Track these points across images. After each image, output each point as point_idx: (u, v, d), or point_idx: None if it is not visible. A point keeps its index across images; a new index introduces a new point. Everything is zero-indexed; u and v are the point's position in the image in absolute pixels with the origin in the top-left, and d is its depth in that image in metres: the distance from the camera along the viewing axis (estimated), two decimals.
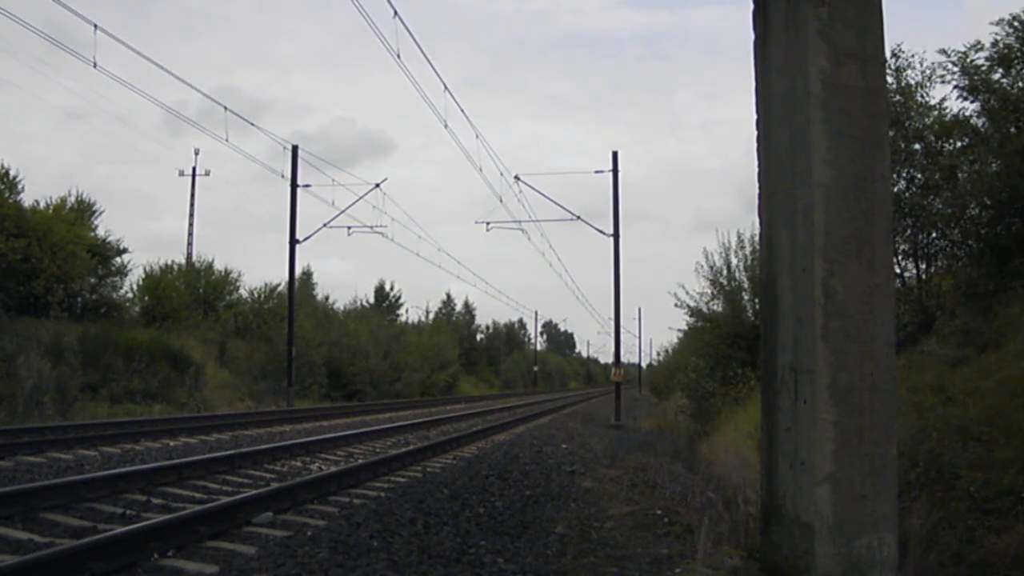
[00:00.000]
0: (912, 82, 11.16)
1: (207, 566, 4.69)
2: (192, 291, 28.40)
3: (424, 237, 61.54)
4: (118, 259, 25.30)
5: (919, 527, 5.18)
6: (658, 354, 57.93)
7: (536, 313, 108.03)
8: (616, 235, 24.89)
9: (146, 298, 26.75)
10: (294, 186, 25.71)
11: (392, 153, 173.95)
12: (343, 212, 25.47)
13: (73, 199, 25.10)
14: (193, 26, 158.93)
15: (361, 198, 25.51)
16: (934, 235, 11.11)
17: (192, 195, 36.05)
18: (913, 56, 11.15)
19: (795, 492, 4.25)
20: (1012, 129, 9.48)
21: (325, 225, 26.42)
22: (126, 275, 25.87)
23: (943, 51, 10.08)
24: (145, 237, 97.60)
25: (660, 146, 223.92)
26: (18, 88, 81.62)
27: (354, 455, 11.48)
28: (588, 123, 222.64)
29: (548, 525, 6.32)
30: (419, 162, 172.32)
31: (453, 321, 67.12)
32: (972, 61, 9.83)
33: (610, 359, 33.40)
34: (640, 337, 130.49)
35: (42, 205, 23.55)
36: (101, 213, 25.97)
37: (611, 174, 25.10)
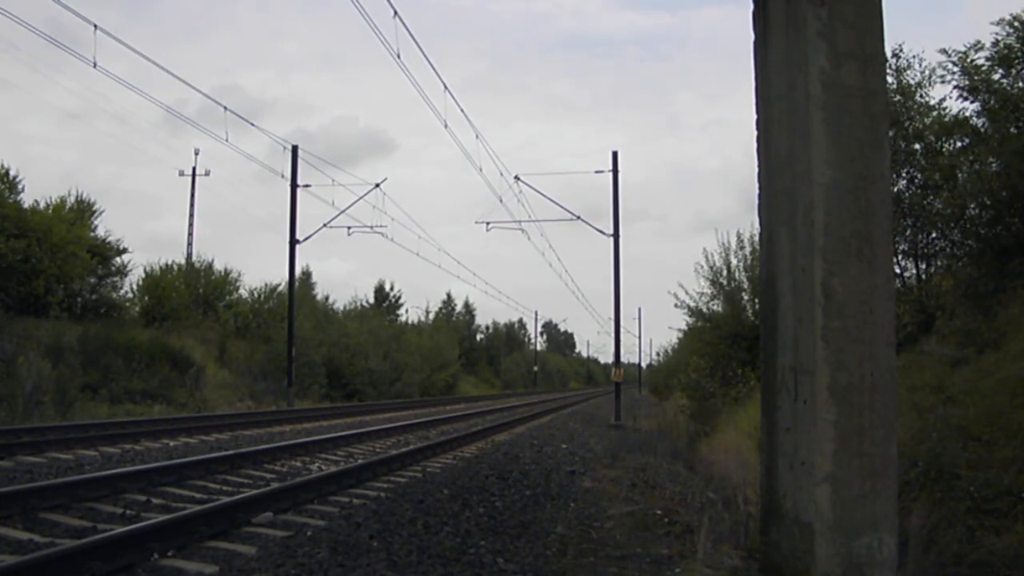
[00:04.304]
0: (912, 82, 11.15)
1: (207, 566, 4.69)
2: (192, 291, 28.39)
3: (424, 237, 61.60)
4: (118, 259, 25.31)
5: (919, 527, 5.18)
6: (658, 354, 57.85)
7: (536, 313, 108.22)
8: (616, 235, 24.90)
9: (146, 298, 26.75)
10: (294, 186, 25.72)
11: (393, 153, 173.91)
12: (343, 212, 25.50)
13: (73, 199, 25.11)
14: (193, 26, 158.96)
15: (361, 198, 25.55)
16: (934, 235, 11.09)
17: (192, 195, 36.12)
18: (913, 56, 11.15)
19: (795, 492, 4.25)
20: (1012, 129, 9.47)
21: (325, 225, 26.45)
22: (126, 275, 25.90)
23: (943, 51, 10.07)
24: (145, 237, 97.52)
25: (660, 146, 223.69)
26: (18, 88, 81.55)
27: (354, 455, 11.48)
28: (588, 124, 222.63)
29: (548, 525, 6.32)
30: (420, 162, 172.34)
31: (453, 321, 67.14)
32: (972, 61, 9.81)
33: (610, 359, 33.39)
34: (640, 337, 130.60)
35: (42, 205, 23.57)
36: (101, 213, 25.99)
37: (611, 174, 25.11)
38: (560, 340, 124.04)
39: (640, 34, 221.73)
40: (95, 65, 15.71)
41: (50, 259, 21.06)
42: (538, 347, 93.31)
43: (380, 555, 4.99)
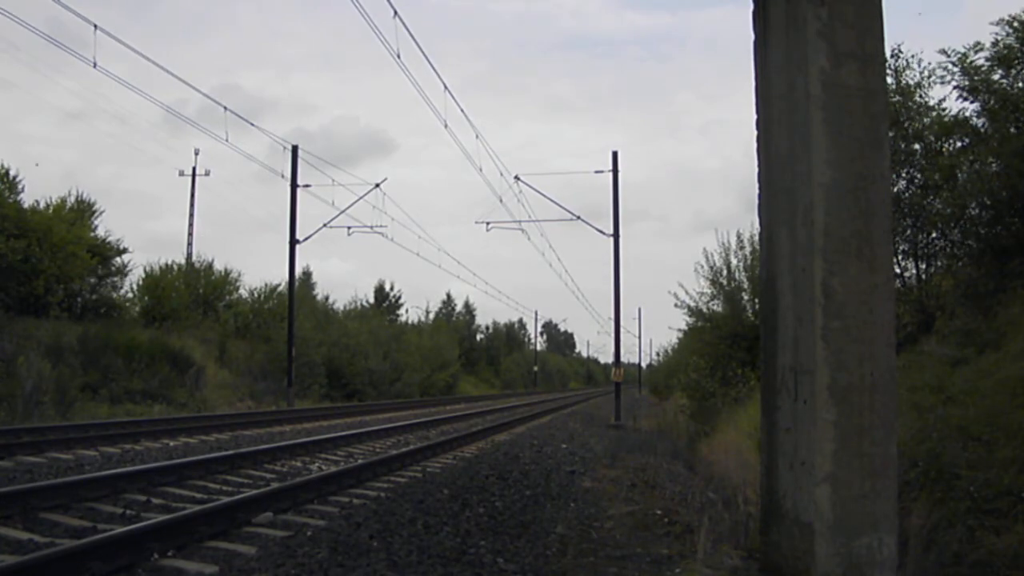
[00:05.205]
0: (911, 82, 11.16)
1: (207, 566, 4.69)
2: (192, 291, 28.39)
3: (424, 237, 61.55)
4: (118, 259, 25.31)
5: (919, 527, 5.18)
6: (658, 354, 57.88)
7: (536, 313, 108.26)
8: (616, 235, 24.90)
9: (146, 298, 26.75)
10: (294, 186, 25.73)
11: (393, 153, 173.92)
12: (343, 212, 25.49)
13: (73, 199, 25.11)
14: (193, 26, 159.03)
15: (361, 198, 25.54)
16: (934, 235, 11.10)
17: (192, 195, 36.14)
18: (912, 56, 11.16)
19: (795, 492, 4.25)
20: (1012, 129, 9.47)
21: (325, 225, 26.45)
22: (126, 275, 25.91)
23: (943, 51, 10.08)
24: (145, 237, 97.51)
25: (660, 146, 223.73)
26: (18, 88, 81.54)
27: (354, 455, 11.48)
28: (588, 124, 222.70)
29: (548, 525, 6.32)
30: (420, 162, 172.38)
31: (453, 321, 67.14)
32: (972, 61, 9.83)
33: (610, 359, 33.37)
34: (640, 337, 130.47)
35: (42, 205, 23.56)
36: (101, 213, 26.00)
37: (611, 174, 25.11)
38: (560, 340, 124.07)
39: (640, 34, 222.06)
40: (95, 65, 15.72)
41: (50, 259, 21.06)
42: (538, 347, 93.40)
43: (380, 555, 4.99)
